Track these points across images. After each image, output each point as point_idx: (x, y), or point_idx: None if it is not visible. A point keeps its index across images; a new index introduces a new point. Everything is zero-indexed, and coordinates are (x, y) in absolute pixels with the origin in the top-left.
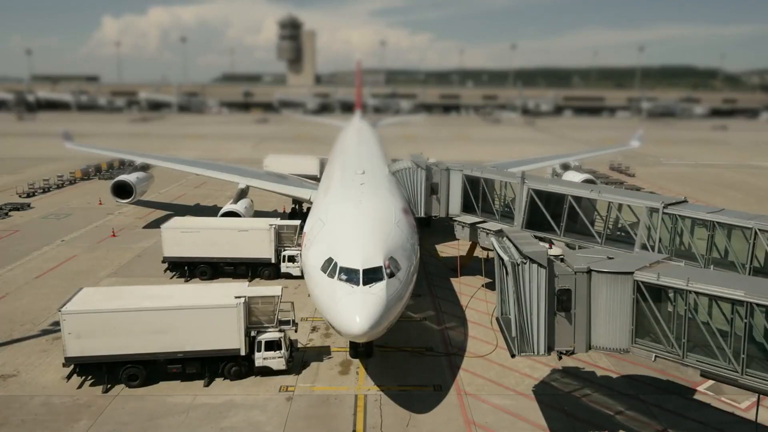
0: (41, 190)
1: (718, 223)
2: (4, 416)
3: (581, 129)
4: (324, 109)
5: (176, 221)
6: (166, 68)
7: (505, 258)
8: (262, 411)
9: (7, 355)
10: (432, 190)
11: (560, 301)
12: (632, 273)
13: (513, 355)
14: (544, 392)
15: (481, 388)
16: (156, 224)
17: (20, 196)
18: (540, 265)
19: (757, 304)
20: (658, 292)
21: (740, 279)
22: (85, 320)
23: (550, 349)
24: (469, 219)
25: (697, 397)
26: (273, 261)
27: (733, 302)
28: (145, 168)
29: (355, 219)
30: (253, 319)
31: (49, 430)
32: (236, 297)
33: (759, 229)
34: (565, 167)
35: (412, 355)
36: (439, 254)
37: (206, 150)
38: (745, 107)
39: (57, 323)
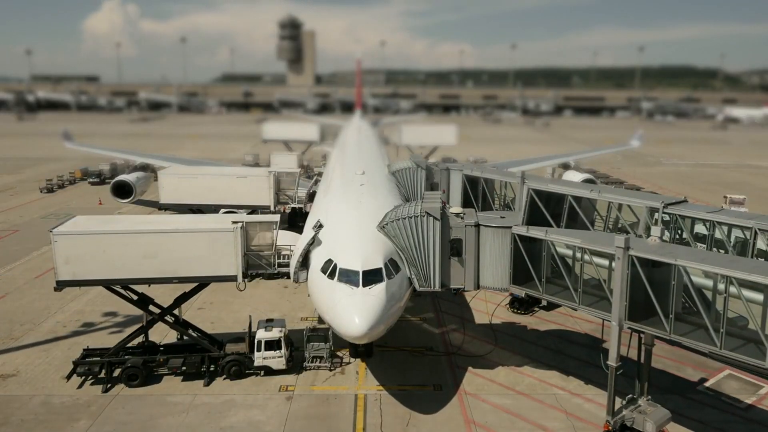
0: (57, 186)
1: (718, 222)
2: (4, 416)
3: (581, 129)
4: (324, 109)
5: (174, 168)
6: (166, 68)
7: (408, 213)
8: (261, 411)
9: (7, 355)
10: (432, 190)
11: (453, 248)
12: (510, 227)
13: (415, 290)
14: (544, 392)
15: (481, 387)
16: None
17: (41, 191)
18: (435, 218)
19: (587, 249)
20: (530, 243)
21: (584, 233)
22: (76, 242)
23: (444, 285)
24: None
25: (697, 397)
26: (272, 208)
27: (573, 247)
28: (144, 168)
29: (355, 220)
30: (252, 246)
31: (49, 430)
32: (234, 222)
33: (759, 229)
34: (565, 167)
35: (412, 354)
36: None
37: (206, 150)
38: (745, 107)
39: (59, 324)
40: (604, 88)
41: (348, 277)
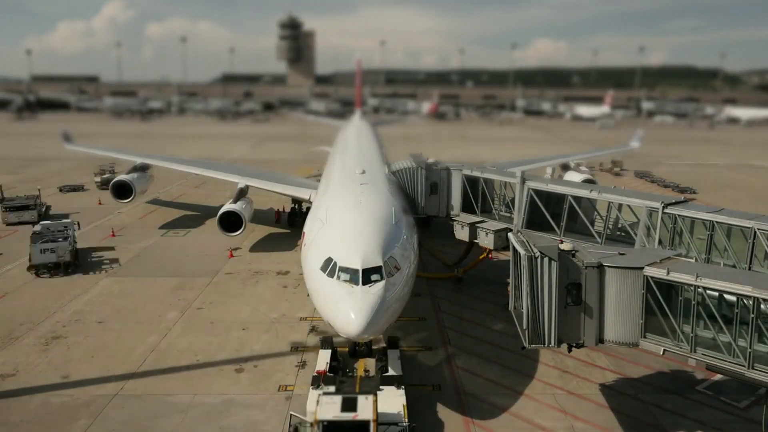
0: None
1: (717, 223)
2: (3, 416)
3: (581, 129)
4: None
5: None
6: (165, 68)
7: (522, 252)
8: (261, 410)
9: (7, 355)
10: (432, 189)
11: (571, 295)
12: (642, 268)
13: (523, 347)
14: (544, 392)
15: (481, 387)
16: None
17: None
18: (551, 259)
19: (764, 299)
20: (667, 288)
21: (748, 275)
22: None
23: (560, 341)
24: (469, 219)
25: (696, 397)
26: None
27: (740, 297)
28: (144, 168)
29: (355, 219)
30: None
31: (48, 430)
32: None
33: (759, 229)
34: (565, 167)
35: (412, 354)
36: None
37: (206, 150)
38: (745, 107)
39: (58, 323)
40: (604, 88)
41: (348, 275)
